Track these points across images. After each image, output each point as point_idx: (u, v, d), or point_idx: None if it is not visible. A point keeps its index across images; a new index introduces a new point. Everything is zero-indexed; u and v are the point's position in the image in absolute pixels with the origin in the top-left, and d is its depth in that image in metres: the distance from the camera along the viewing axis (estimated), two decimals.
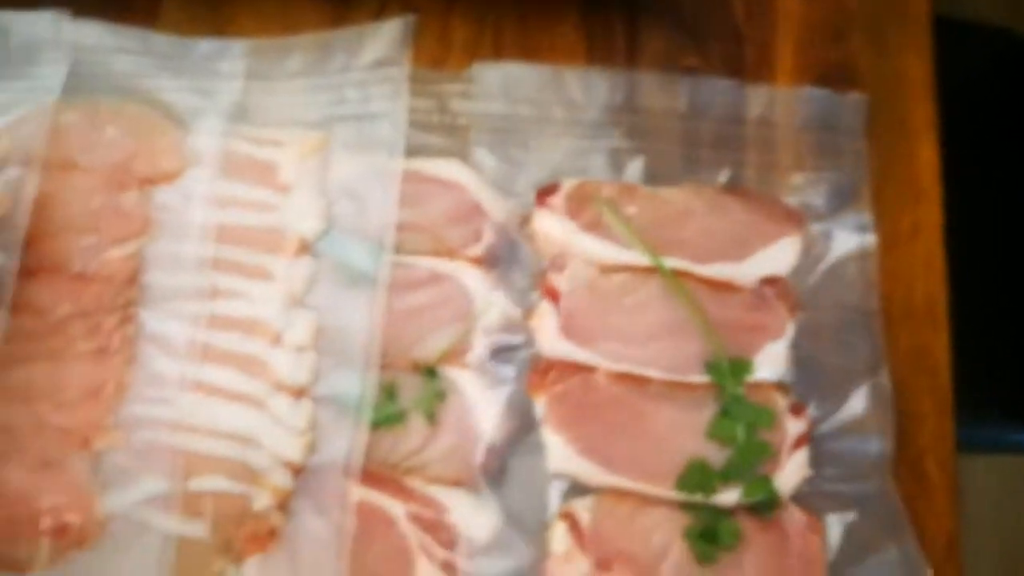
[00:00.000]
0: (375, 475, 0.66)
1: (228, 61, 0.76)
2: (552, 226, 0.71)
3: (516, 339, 0.70)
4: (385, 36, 0.76)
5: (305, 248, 0.70)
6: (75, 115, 0.73)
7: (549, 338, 0.69)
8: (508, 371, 0.70)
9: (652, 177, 0.75)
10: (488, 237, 0.72)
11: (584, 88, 0.77)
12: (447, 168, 0.74)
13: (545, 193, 0.73)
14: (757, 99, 0.76)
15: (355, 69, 0.76)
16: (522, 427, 0.69)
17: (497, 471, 0.68)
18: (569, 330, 0.69)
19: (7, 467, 0.66)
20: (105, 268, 0.70)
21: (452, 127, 0.76)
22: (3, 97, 0.73)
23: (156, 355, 0.68)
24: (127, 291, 0.70)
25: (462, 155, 0.75)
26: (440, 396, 0.68)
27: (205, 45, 0.76)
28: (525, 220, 0.72)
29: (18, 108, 0.73)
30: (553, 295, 0.70)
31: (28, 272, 0.69)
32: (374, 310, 0.68)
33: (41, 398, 0.67)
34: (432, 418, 0.68)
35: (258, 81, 0.76)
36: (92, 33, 0.76)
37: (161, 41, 0.76)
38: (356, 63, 0.76)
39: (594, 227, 0.71)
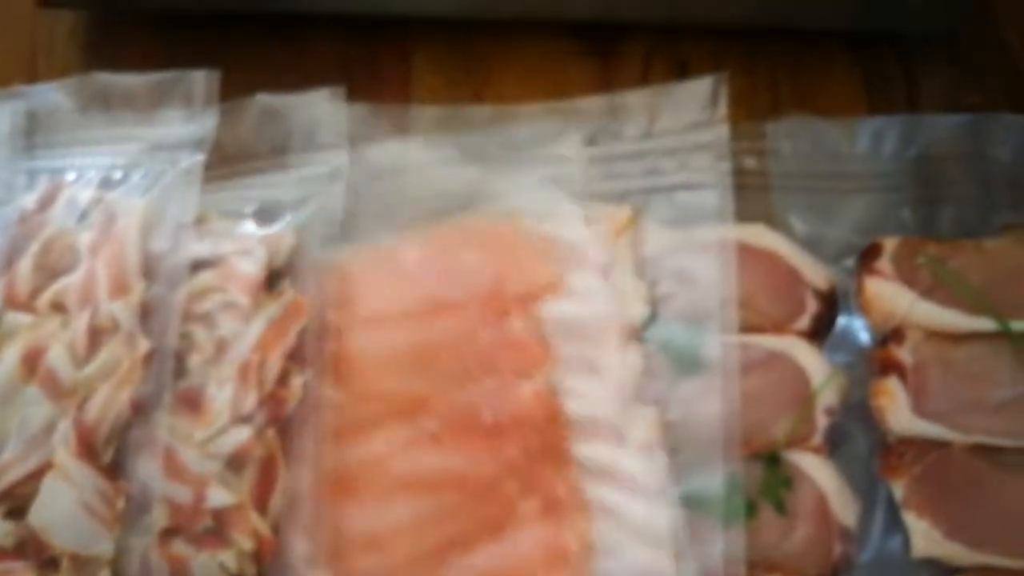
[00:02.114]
0: None
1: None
2: (887, 294, 0.67)
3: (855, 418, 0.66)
4: (689, 96, 0.71)
5: (634, 336, 0.66)
6: (419, 250, 0.66)
7: (899, 416, 0.65)
8: (852, 452, 0.66)
9: (959, 225, 0.71)
10: (812, 307, 0.68)
11: (875, 139, 0.73)
12: (756, 234, 0.69)
13: (868, 257, 0.68)
14: None
15: (659, 135, 0.70)
16: (867, 512, 0.65)
17: (853, 560, 0.64)
18: (921, 407, 0.65)
19: None
20: (520, 410, 0.61)
21: (748, 188, 0.71)
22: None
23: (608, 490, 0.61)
24: (554, 429, 0.61)
25: (765, 218, 0.70)
26: (787, 484, 0.64)
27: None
28: (857, 288, 0.67)
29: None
30: (899, 369, 0.66)
31: (434, 439, 0.62)
32: (726, 397, 0.63)
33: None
34: (782, 508, 0.64)
35: (540, 150, 0.71)
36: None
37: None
38: (658, 128, 0.70)
39: (932, 293, 0.67)
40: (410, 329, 0.64)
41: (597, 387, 0.64)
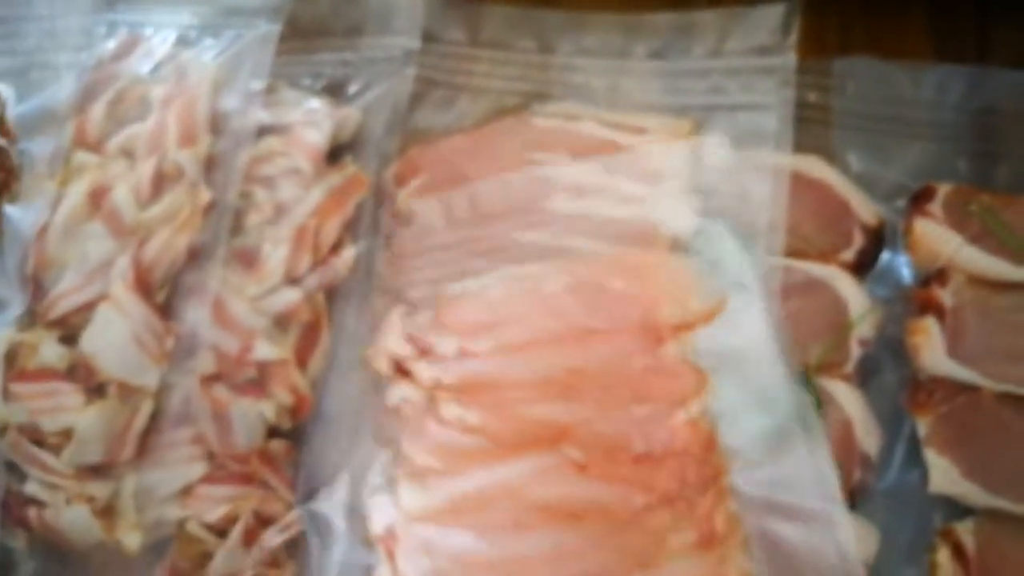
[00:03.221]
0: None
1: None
2: (935, 236, 0.68)
3: (887, 352, 0.67)
4: (761, 21, 0.71)
5: (678, 247, 0.66)
6: (563, 279, 0.64)
7: (934, 356, 0.66)
8: (881, 384, 0.66)
9: (1015, 181, 0.71)
10: (858, 241, 0.68)
11: (940, 88, 0.73)
12: (812, 165, 0.70)
13: (921, 199, 0.69)
14: None
15: (727, 55, 0.71)
16: (889, 442, 0.66)
17: (870, 488, 0.65)
18: (956, 349, 0.66)
19: None
20: (675, 440, 0.58)
21: (809, 121, 0.72)
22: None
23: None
24: (710, 462, 0.58)
25: (823, 152, 0.71)
26: (816, 406, 0.65)
27: None
28: (905, 228, 0.68)
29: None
30: (938, 310, 0.66)
31: (579, 468, 0.59)
32: (770, 315, 0.63)
33: None
34: (810, 430, 0.65)
35: (606, 60, 0.72)
36: None
37: None
38: (727, 48, 0.71)
39: (980, 240, 0.67)
40: (556, 356, 0.62)
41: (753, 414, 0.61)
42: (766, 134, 0.68)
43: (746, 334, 0.63)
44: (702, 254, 0.67)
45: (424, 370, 0.64)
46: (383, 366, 0.65)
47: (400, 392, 0.65)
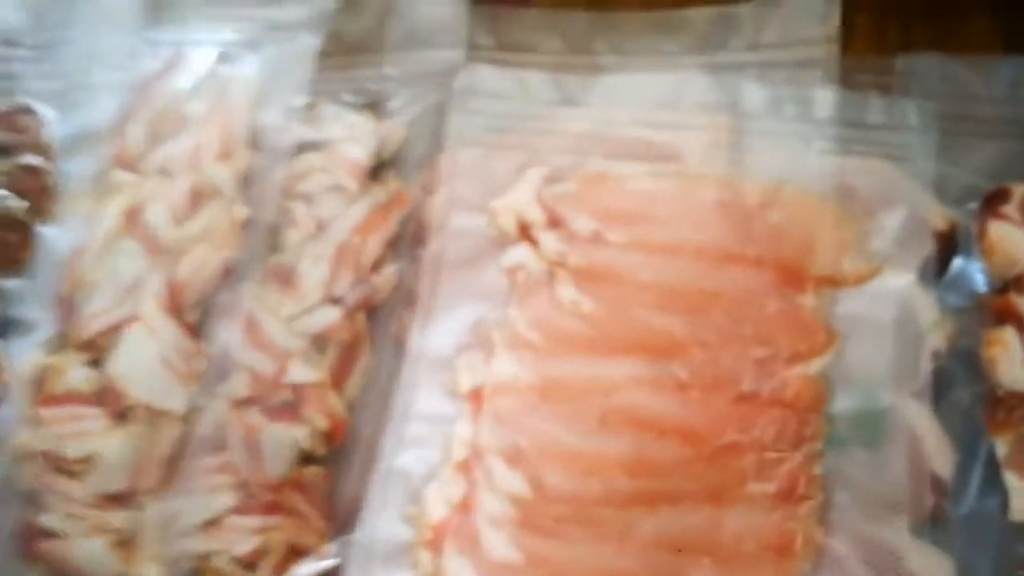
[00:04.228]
0: None
1: None
2: (1012, 240, 0.63)
3: (961, 366, 0.62)
4: (801, 13, 0.68)
5: None
6: (718, 192, 0.62)
7: (1012, 369, 0.61)
8: (957, 401, 0.62)
9: None
10: (929, 248, 0.64)
11: (1014, 82, 0.68)
12: (879, 168, 0.66)
13: (995, 200, 0.64)
14: None
15: (765, 48, 0.68)
16: (965, 464, 0.61)
17: (944, 514, 0.61)
18: None
19: None
20: (785, 390, 0.57)
21: (873, 124, 0.68)
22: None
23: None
24: (813, 421, 0.57)
25: (888, 155, 0.67)
26: (883, 424, 0.61)
27: None
28: (979, 232, 0.64)
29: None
30: (1016, 320, 0.62)
31: (680, 387, 0.58)
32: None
33: (696, 548, 0.55)
34: (876, 450, 0.61)
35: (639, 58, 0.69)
36: None
37: None
38: (764, 41, 0.68)
39: None
40: (692, 271, 0.60)
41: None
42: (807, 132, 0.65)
43: (888, 312, 0.60)
44: None
45: (551, 242, 0.62)
46: (508, 223, 0.63)
47: (519, 255, 0.63)
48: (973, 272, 0.65)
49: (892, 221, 0.62)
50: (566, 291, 0.62)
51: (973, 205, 0.66)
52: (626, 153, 0.66)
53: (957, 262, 0.65)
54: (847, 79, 0.69)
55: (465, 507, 0.58)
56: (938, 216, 0.65)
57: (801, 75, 0.67)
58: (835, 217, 0.62)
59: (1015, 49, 0.71)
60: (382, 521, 0.58)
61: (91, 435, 0.58)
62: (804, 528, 0.55)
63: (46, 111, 0.68)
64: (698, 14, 0.70)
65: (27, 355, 0.60)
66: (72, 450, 0.58)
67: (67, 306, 0.62)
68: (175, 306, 0.60)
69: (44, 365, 0.60)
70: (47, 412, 0.59)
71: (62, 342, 0.61)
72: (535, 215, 0.64)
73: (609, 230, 0.63)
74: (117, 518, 0.57)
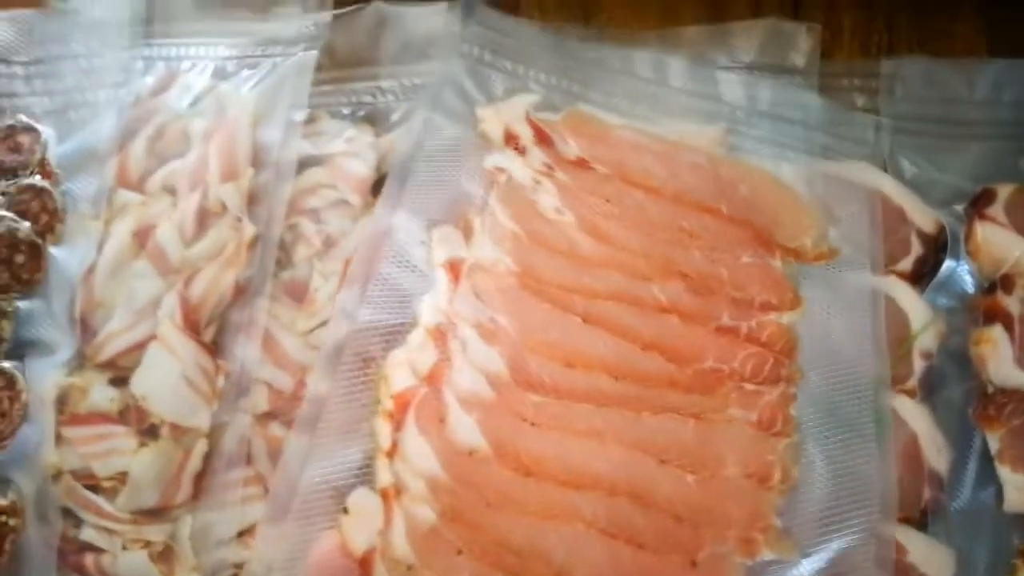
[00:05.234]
0: None
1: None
2: (998, 241, 0.65)
3: (952, 364, 0.64)
4: (785, 29, 0.70)
5: None
6: (695, 156, 0.66)
7: (1001, 366, 0.64)
8: (950, 398, 0.64)
9: None
10: (916, 249, 0.66)
11: (996, 85, 0.70)
12: (863, 172, 0.68)
13: (981, 202, 0.67)
14: None
15: (756, 64, 0.70)
16: (960, 459, 0.64)
17: (942, 508, 0.63)
18: None
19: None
20: (761, 332, 0.60)
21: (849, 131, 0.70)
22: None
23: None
24: (787, 364, 0.60)
25: (872, 158, 0.69)
26: (882, 423, 0.63)
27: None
28: (966, 233, 0.66)
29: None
30: (1004, 318, 0.64)
31: (661, 308, 0.60)
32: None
33: (679, 462, 0.57)
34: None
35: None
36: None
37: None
38: (755, 58, 0.70)
39: None
40: (671, 211, 0.63)
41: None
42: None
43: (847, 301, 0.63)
44: None
45: (539, 154, 0.64)
46: (494, 131, 0.65)
47: (503, 159, 0.65)
48: (961, 273, 0.67)
49: (850, 217, 0.65)
50: (549, 201, 0.63)
51: (959, 207, 0.68)
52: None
53: (946, 264, 0.67)
54: (832, 83, 0.71)
55: (433, 378, 0.58)
56: (924, 218, 0.67)
57: (785, 82, 0.69)
58: (797, 202, 0.64)
59: (999, 51, 0.73)
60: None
61: (120, 453, 0.59)
62: (782, 462, 0.56)
63: (45, 131, 0.67)
64: (691, 30, 0.72)
65: (47, 375, 0.60)
66: (102, 468, 0.58)
67: (83, 327, 0.62)
68: (191, 324, 0.60)
69: (66, 385, 0.60)
70: (73, 431, 0.59)
71: (81, 362, 0.61)
72: (523, 130, 0.65)
73: (592, 160, 0.65)
74: (152, 532, 0.58)
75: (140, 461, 0.59)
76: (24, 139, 0.67)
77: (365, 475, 0.56)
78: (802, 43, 0.70)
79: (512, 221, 0.62)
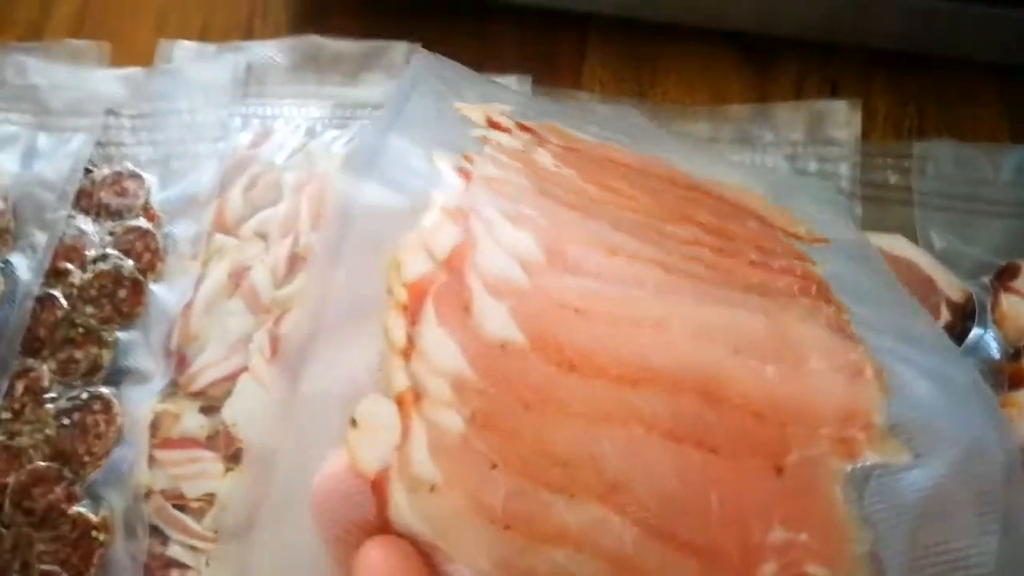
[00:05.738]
0: None
1: None
2: (1022, 311, 0.71)
3: None
4: (829, 113, 0.76)
5: None
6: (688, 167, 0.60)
7: None
8: None
9: None
10: (945, 317, 0.71)
11: (1019, 168, 0.76)
12: (896, 243, 0.74)
13: (1006, 275, 0.72)
14: None
15: (802, 141, 0.76)
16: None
17: None
18: None
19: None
20: (794, 270, 0.49)
21: (891, 202, 0.76)
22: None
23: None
24: (833, 300, 0.48)
25: (905, 231, 0.75)
26: None
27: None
28: (992, 304, 0.71)
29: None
30: None
31: (694, 243, 0.50)
32: None
33: (757, 352, 0.43)
34: None
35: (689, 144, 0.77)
36: None
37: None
38: (795, 134, 0.76)
39: None
40: (665, 184, 0.54)
41: None
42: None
43: None
44: None
45: (523, 135, 0.54)
46: (476, 118, 0.54)
47: (490, 134, 0.53)
48: (988, 340, 0.72)
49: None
50: (546, 160, 0.53)
51: (985, 279, 0.73)
52: None
53: (973, 332, 0.72)
54: (868, 161, 0.77)
55: (454, 262, 0.43)
56: (953, 288, 0.73)
57: (826, 158, 0.76)
58: (783, 210, 0.57)
59: (1019, 133, 0.80)
60: None
61: (208, 476, 0.64)
62: (872, 361, 0.44)
63: (149, 178, 0.74)
64: (736, 108, 0.79)
65: (143, 402, 0.66)
66: (190, 490, 0.64)
67: (179, 358, 0.68)
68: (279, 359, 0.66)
69: (160, 411, 0.66)
70: (165, 454, 0.65)
71: (174, 390, 0.67)
72: (505, 120, 0.55)
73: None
74: (238, 551, 0.63)
75: (227, 483, 0.64)
76: (130, 184, 0.74)
77: (376, 380, 0.41)
78: (843, 119, 0.76)
79: (512, 159, 0.51)
